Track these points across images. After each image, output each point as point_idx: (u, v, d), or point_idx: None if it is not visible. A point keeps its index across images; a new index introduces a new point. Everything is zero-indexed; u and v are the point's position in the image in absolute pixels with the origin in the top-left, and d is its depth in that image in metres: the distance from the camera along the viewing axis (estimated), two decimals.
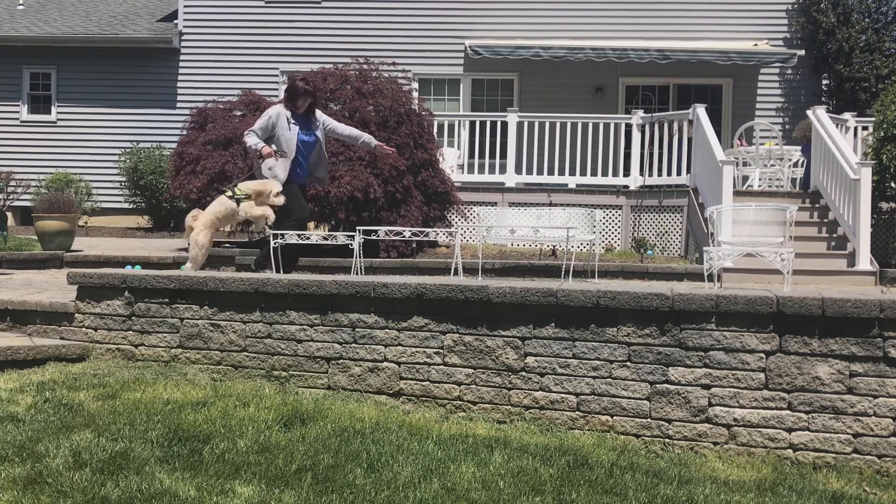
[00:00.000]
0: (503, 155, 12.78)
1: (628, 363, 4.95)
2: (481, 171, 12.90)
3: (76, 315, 6.01)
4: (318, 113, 7.51)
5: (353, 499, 3.61)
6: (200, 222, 7.16)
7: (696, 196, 11.24)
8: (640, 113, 12.69)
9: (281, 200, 7.10)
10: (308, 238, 7.34)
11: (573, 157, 12.54)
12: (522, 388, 5.12)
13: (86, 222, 14.46)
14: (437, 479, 3.86)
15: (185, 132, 10.94)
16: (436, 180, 10.42)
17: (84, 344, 5.92)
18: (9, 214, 12.86)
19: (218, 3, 16.46)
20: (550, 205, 11.52)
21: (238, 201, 7.06)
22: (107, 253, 9.92)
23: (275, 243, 7.10)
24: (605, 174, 12.61)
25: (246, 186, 7.16)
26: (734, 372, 4.79)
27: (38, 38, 16.31)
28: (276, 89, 15.59)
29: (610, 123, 12.71)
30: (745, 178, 12.34)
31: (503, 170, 12.80)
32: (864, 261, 9.55)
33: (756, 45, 15.45)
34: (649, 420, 4.92)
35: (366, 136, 7.82)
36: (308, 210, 7.78)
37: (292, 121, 7.22)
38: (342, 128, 7.73)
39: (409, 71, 14.16)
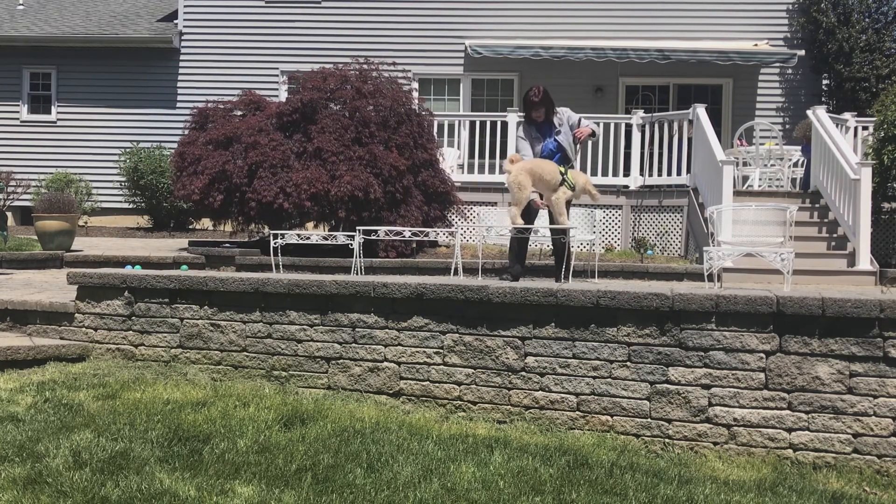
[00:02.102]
0: (503, 155, 12.68)
1: (628, 363, 4.95)
2: (481, 171, 12.88)
3: (76, 315, 6.01)
4: (560, 116, 7.50)
5: (353, 499, 3.61)
6: (519, 166, 7.00)
7: (696, 196, 11.23)
8: (640, 113, 12.67)
9: (598, 197, 7.20)
10: (308, 238, 7.34)
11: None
12: (522, 388, 5.12)
13: (86, 222, 14.46)
14: (437, 479, 3.86)
15: (185, 132, 10.92)
16: (436, 180, 10.40)
17: (84, 344, 5.92)
18: (9, 214, 12.87)
19: (218, 2, 16.47)
20: None
21: (564, 181, 6.94)
22: (107, 253, 9.92)
23: (275, 243, 7.11)
24: (605, 174, 12.59)
25: (575, 174, 7.08)
26: (734, 372, 4.80)
27: (38, 38, 16.31)
28: (276, 89, 15.61)
29: (610, 123, 12.69)
30: (745, 178, 12.33)
31: (503, 170, 12.75)
32: (865, 261, 9.55)
33: (756, 45, 15.45)
34: (649, 420, 4.92)
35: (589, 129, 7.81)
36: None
37: (534, 133, 7.49)
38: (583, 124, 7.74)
39: (410, 71, 14.16)
